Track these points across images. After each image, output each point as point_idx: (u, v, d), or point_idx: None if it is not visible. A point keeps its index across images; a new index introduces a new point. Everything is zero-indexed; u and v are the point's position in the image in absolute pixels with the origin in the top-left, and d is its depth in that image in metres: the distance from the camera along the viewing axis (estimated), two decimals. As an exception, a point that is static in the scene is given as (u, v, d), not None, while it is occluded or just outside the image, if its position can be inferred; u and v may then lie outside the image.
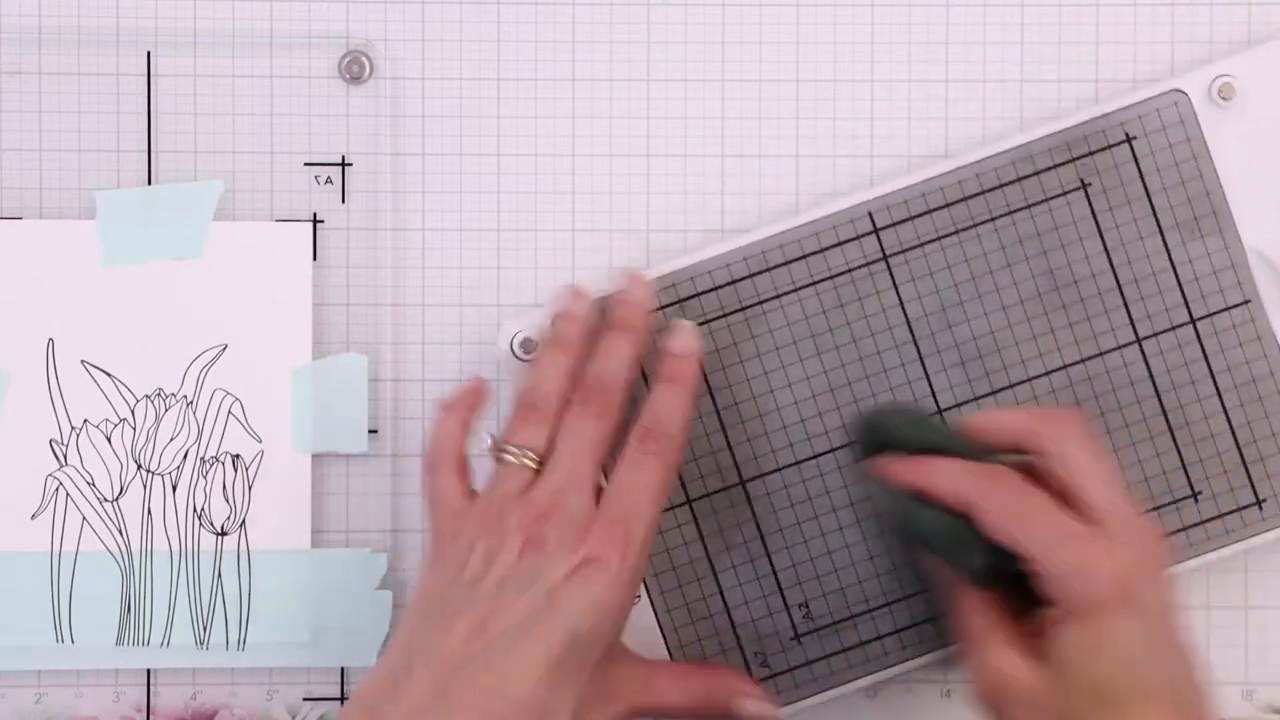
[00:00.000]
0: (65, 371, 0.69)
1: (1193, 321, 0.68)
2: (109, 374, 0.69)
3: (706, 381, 0.68)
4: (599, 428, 0.63)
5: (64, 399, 0.69)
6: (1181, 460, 0.68)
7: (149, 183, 0.70)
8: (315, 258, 0.70)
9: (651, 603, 0.68)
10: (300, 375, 0.69)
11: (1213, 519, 0.69)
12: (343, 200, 0.70)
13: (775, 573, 0.68)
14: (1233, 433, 0.68)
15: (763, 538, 0.68)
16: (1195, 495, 0.68)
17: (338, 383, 0.69)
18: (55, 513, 0.69)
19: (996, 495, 0.61)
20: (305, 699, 0.70)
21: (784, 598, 0.68)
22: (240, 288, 0.69)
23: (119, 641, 0.69)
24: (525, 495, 0.62)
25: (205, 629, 0.69)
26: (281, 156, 0.70)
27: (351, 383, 0.69)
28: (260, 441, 0.69)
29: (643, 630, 0.68)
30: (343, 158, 0.70)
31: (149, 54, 0.70)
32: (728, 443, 0.68)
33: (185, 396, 0.69)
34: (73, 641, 0.69)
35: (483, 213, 0.70)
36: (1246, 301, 0.68)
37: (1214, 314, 0.68)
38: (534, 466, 0.63)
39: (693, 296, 0.68)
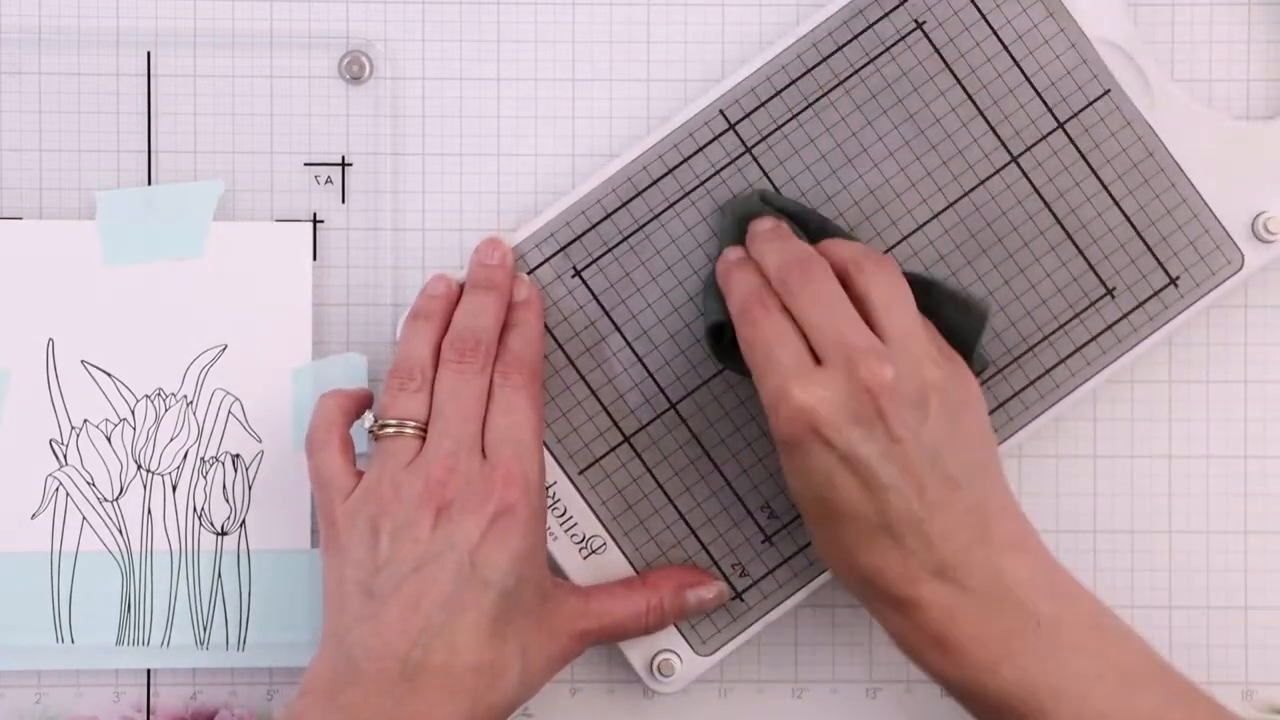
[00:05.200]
0: (65, 371, 0.69)
1: (1060, 126, 0.69)
2: (109, 374, 0.69)
3: (611, 318, 0.68)
4: (479, 383, 0.64)
5: (64, 399, 0.69)
6: (1088, 262, 0.69)
7: (149, 183, 0.70)
8: (315, 258, 0.70)
9: (619, 546, 0.69)
10: (300, 375, 0.69)
11: (1134, 310, 0.69)
12: (343, 200, 0.70)
13: (729, 483, 0.69)
14: (1129, 221, 0.69)
15: (707, 453, 0.69)
16: (1110, 292, 0.69)
17: (338, 383, 0.69)
18: (55, 513, 0.69)
19: (751, 301, 0.62)
20: (305, 699, 0.70)
21: (744, 505, 0.69)
22: (240, 288, 0.69)
23: (119, 641, 0.69)
24: (417, 465, 0.63)
25: (205, 629, 0.69)
26: (281, 156, 0.70)
27: (351, 383, 0.69)
28: (260, 441, 0.69)
29: (618, 578, 0.68)
30: (343, 158, 0.70)
31: (149, 54, 0.70)
32: (648, 372, 0.69)
33: (185, 396, 0.69)
34: (73, 641, 0.69)
35: (482, 213, 0.70)
36: (1106, 92, 0.69)
37: (1079, 113, 0.69)
38: (416, 435, 0.64)
39: (574, 240, 0.68)
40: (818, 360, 0.60)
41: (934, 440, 0.60)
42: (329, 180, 0.70)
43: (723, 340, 0.66)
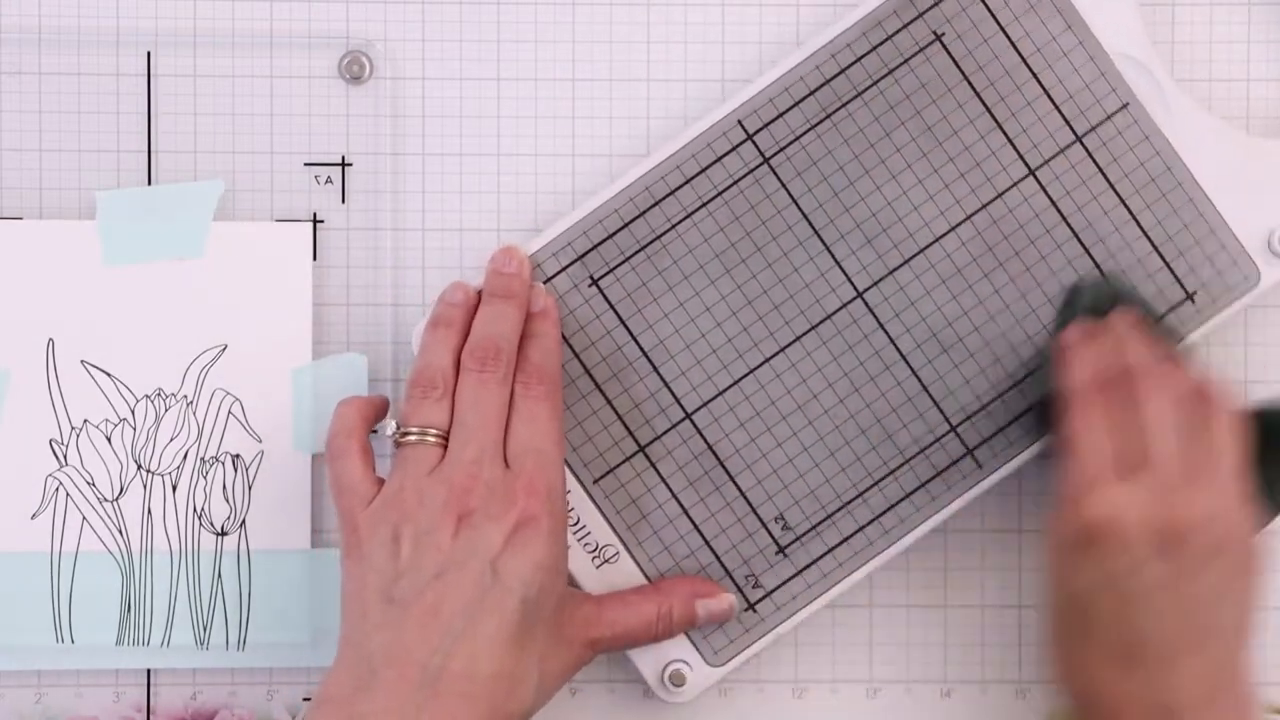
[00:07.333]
0: (65, 371, 0.69)
1: (1079, 139, 0.69)
2: (109, 374, 0.69)
3: (627, 328, 0.68)
4: (500, 392, 0.64)
5: (64, 399, 0.69)
6: (1104, 277, 0.69)
7: (149, 183, 0.70)
8: (315, 258, 0.70)
9: (633, 556, 0.69)
10: (300, 375, 0.69)
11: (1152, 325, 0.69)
12: (343, 200, 0.70)
13: (743, 494, 0.69)
14: (1146, 236, 0.68)
15: (722, 464, 0.69)
16: None
17: (338, 383, 0.69)
18: (55, 513, 0.69)
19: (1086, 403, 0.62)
20: (305, 699, 0.70)
21: (758, 516, 0.69)
22: (240, 288, 0.69)
23: (119, 641, 0.69)
24: (439, 473, 0.63)
25: (205, 629, 0.69)
26: (281, 156, 0.70)
27: (351, 383, 0.69)
28: (260, 441, 0.69)
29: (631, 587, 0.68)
30: (343, 158, 0.70)
31: (149, 54, 0.70)
32: (664, 382, 0.68)
33: (185, 396, 0.69)
34: (73, 641, 0.69)
35: (482, 212, 0.70)
36: (1125, 105, 0.68)
37: (1097, 126, 0.68)
38: (438, 443, 0.63)
39: (591, 250, 0.68)
40: (1130, 466, 0.60)
41: (1209, 590, 0.60)
42: (329, 180, 0.70)
43: (1042, 404, 0.66)
